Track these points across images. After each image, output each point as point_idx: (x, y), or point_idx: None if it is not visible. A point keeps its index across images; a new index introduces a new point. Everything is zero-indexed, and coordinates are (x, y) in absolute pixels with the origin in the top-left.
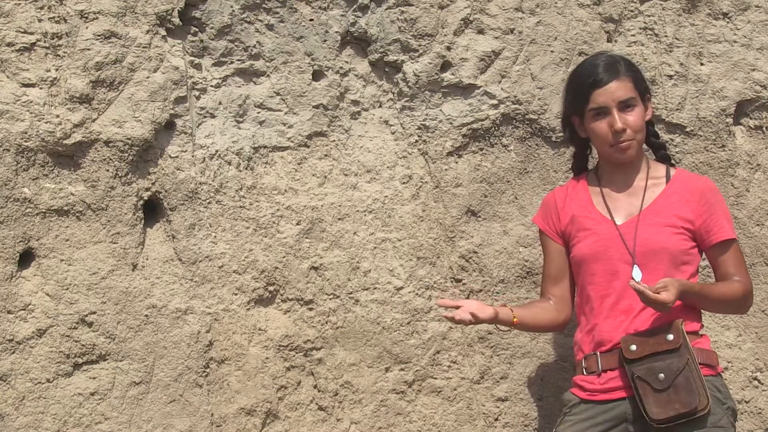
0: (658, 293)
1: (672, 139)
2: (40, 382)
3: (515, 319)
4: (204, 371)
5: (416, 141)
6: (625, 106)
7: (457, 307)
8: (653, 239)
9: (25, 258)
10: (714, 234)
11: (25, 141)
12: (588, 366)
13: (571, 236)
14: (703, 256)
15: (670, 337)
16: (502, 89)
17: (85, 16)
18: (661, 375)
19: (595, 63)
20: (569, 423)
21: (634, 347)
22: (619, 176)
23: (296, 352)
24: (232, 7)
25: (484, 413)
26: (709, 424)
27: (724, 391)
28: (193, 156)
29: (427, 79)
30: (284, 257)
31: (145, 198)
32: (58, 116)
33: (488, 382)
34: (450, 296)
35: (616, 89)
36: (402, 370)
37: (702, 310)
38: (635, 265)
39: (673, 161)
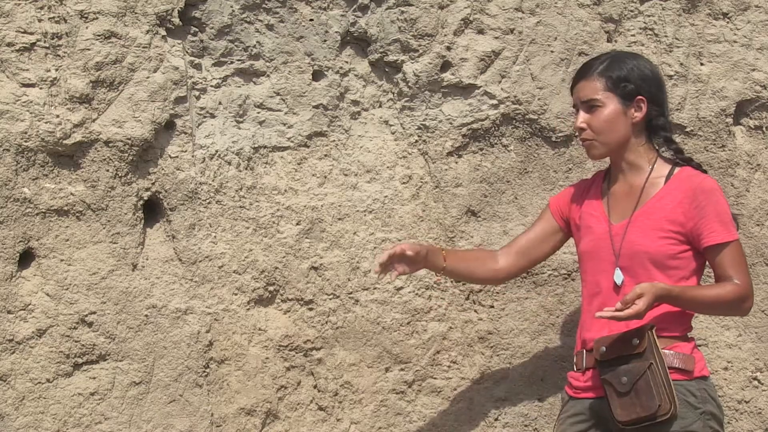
0: (629, 304)
1: None
2: (40, 382)
3: (445, 264)
4: (204, 371)
5: (416, 141)
6: (588, 106)
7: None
8: (637, 243)
9: (25, 258)
10: (704, 238)
11: (25, 141)
12: (577, 362)
13: (579, 231)
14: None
15: (636, 341)
16: (502, 89)
17: (85, 16)
18: (624, 378)
19: (586, 61)
20: (561, 420)
21: (603, 349)
22: (621, 175)
23: (296, 352)
24: (232, 7)
25: (484, 413)
26: (677, 428)
27: (702, 396)
28: (193, 156)
29: (427, 79)
30: (284, 257)
31: (145, 198)
32: (58, 116)
33: (488, 382)
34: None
35: (582, 88)
36: (402, 370)
37: (698, 314)
38: (617, 269)
39: (682, 158)
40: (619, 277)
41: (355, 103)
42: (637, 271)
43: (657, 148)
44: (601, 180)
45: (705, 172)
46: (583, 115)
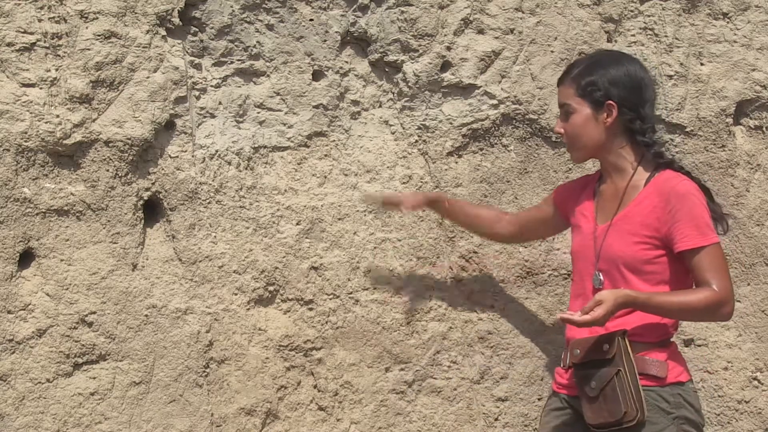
0: (588, 312)
1: (672, 139)
2: (40, 382)
3: (447, 207)
4: (204, 371)
5: (416, 141)
6: (564, 111)
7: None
8: (613, 246)
9: (25, 258)
10: (676, 243)
11: (25, 141)
12: (563, 359)
13: (573, 228)
14: None
15: (606, 346)
16: (502, 89)
17: (85, 16)
18: (593, 383)
19: (571, 62)
20: (545, 413)
21: (578, 352)
22: (607, 178)
23: (296, 352)
24: (232, 7)
25: (484, 413)
26: None
27: (676, 401)
28: (193, 156)
29: (427, 79)
30: (284, 257)
31: (145, 198)
32: (58, 116)
33: (488, 382)
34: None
35: (559, 93)
36: (402, 370)
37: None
38: (597, 271)
39: (663, 162)
40: (597, 279)
41: (355, 103)
42: (614, 275)
43: (644, 150)
44: (596, 179)
45: (689, 173)
46: (559, 120)
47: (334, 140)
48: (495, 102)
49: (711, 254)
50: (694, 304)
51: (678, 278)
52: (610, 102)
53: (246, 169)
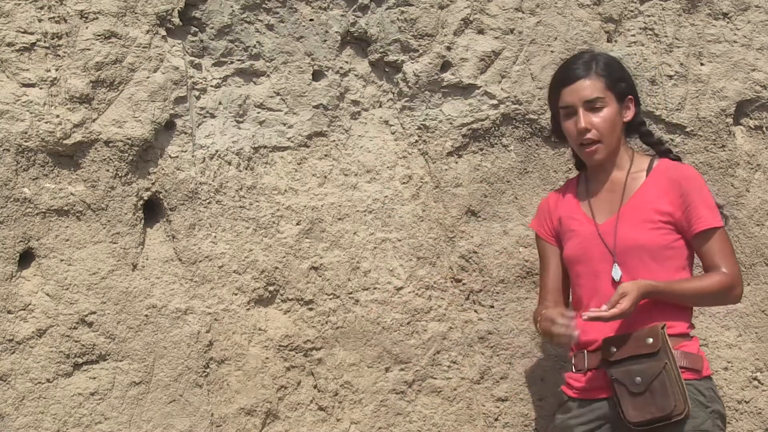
0: (614, 305)
1: (672, 139)
2: (40, 382)
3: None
4: (204, 371)
5: (416, 141)
6: (591, 106)
7: None
8: (631, 237)
9: (25, 258)
10: (694, 224)
11: (25, 141)
12: (576, 363)
13: (562, 238)
14: None
15: (650, 340)
16: (502, 89)
17: (85, 16)
18: (638, 378)
19: (571, 60)
20: (559, 420)
21: (614, 349)
22: (602, 174)
23: (296, 352)
24: (232, 7)
25: (484, 413)
26: (689, 428)
27: (710, 395)
28: (193, 156)
29: (427, 79)
30: (284, 257)
31: (145, 198)
32: (58, 116)
33: (488, 382)
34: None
35: (583, 88)
36: (402, 370)
37: (695, 312)
38: (615, 264)
39: (662, 149)
40: (617, 273)
41: (355, 103)
42: (633, 266)
43: (630, 144)
44: (575, 185)
45: (680, 161)
46: (586, 116)
47: (334, 140)
48: (495, 102)
49: (720, 238)
50: (709, 289)
51: (691, 265)
52: (631, 97)
53: (246, 169)
